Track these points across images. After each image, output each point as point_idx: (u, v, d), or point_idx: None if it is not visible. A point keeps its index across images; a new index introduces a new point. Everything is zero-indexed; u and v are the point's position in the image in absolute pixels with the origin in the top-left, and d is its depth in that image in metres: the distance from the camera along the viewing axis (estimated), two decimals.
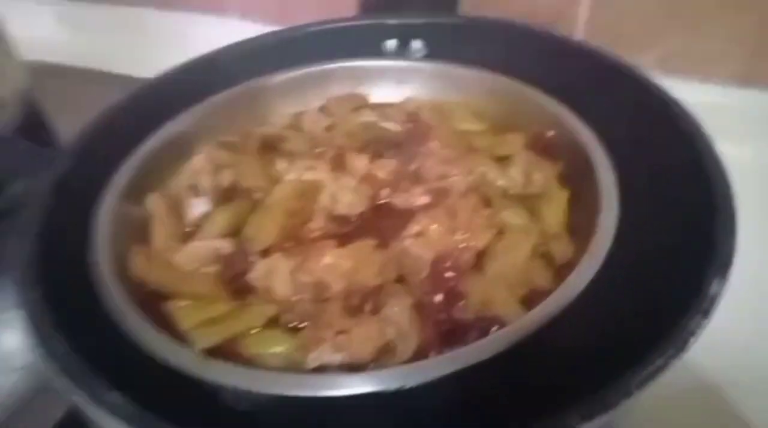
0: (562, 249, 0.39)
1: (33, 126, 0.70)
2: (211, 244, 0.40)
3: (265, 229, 0.40)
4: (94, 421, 0.28)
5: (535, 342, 0.32)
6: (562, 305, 0.33)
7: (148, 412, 0.26)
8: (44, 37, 0.87)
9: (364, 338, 0.32)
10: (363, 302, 0.35)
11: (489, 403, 0.31)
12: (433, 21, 0.57)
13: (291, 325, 0.36)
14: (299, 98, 0.56)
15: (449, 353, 0.31)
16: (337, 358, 0.32)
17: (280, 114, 0.55)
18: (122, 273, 0.38)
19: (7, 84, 0.64)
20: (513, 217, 0.40)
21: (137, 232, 0.43)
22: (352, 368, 0.33)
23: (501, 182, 0.42)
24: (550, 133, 0.44)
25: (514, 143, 0.45)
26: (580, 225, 0.40)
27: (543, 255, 0.39)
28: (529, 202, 0.42)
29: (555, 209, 0.41)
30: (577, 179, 0.43)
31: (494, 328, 0.34)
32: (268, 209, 0.41)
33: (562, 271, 0.37)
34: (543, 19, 0.68)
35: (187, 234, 0.43)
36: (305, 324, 0.36)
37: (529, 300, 0.36)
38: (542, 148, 0.45)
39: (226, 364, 0.31)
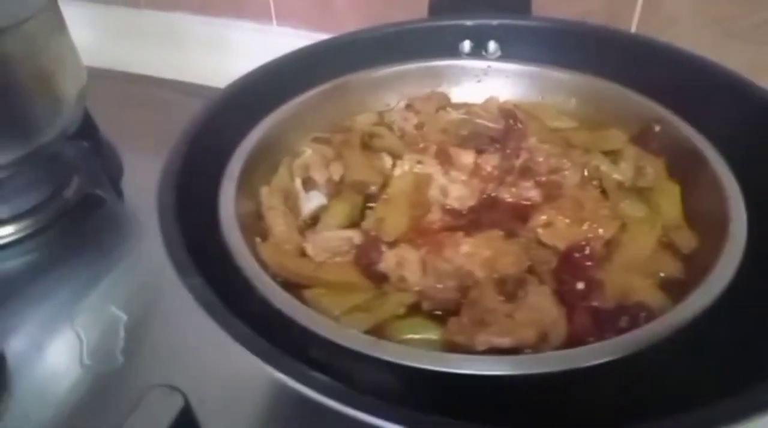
0: (686, 240, 0.40)
1: (86, 127, 0.69)
2: (343, 234, 0.39)
3: (395, 220, 0.40)
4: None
5: (688, 333, 0.32)
6: (714, 295, 0.33)
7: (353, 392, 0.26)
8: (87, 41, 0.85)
9: (527, 322, 0.33)
10: (516, 289, 0.35)
11: (643, 392, 0.31)
12: (508, 22, 0.58)
13: (432, 312, 0.37)
14: (381, 97, 0.56)
15: (620, 337, 0.31)
16: (506, 341, 0.32)
17: (365, 112, 0.55)
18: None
19: (69, 82, 0.62)
20: (632, 209, 0.41)
21: (253, 224, 0.42)
22: (512, 351, 0.33)
23: (616, 176, 0.43)
24: (657, 128, 0.45)
25: (617, 139, 0.46)
26: (697, 217, 0.41)
27: (667, 245, 0.40)
28: (641, 194, 0.43)
29: (672, 201, 0.42)
30: (682, 173, 0.44)
31: (642, 315, 0.35)
32: (392, 201, 0.42)
33: (689, 261, 0.39)
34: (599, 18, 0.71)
35: (303, 227, 0.43)
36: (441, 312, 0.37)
37: (664, 289, 0.37)
38: (646, 143, 0.46)
39: (398, 345, 0.31)
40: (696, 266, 0.38)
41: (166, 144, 0.76)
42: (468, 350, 0.32)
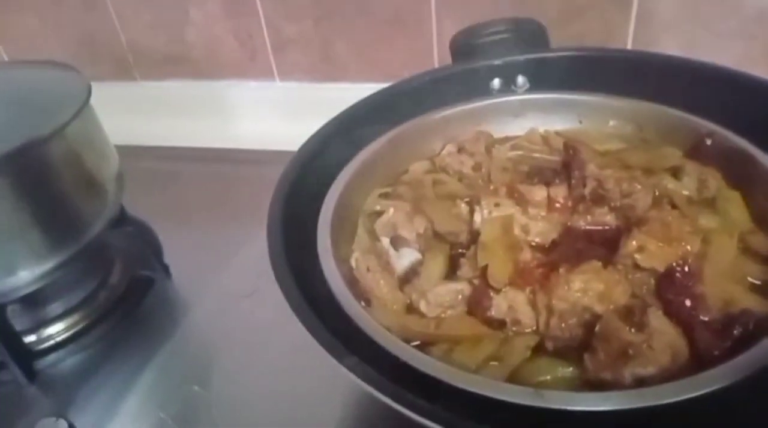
0: (761, 242, 0.43)
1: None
2: (452, 287, 0.41)
3: (500, 266, 0.41)
4: None
5: None
6: None
7: None
8: None
9: (664, 347, 0.35)
10: (642, 317, 0.37)
11: None
12: (534, 56, 0.61)
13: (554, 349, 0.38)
14: (428, 144, 0.58)
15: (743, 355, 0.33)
16: (650, 370, 0.34)
17: (415, 161, 0.57)
18: None
19: (108, 173, 0.62)
20: (708, 220, 0.44)
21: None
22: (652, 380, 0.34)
23: (684, 192, 0.46)
24: (709, 141, 0.49)
25: (675, 155, 0.49)
26: (764, 220, 0.44)
27: (745, 250, 0.43)
28: (710, 206, 0.46)
29: (739, 208, 0.45)
30: (738, 181, 0.47)
31: (749, 322, 0.37)
32: (489, 247, 0.43)
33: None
34: (596, 41, 0.75)
35: (400, 285, 0.44)
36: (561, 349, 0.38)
37: (757, 293, 0.40)
38: (699, 156, 0.49)
39: (563, 392, 0.33)
40: None
41: (192, 214, 0.77)
42: (611, 384, 0.34)
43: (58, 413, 0.52)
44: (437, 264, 0.44)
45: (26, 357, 0.57)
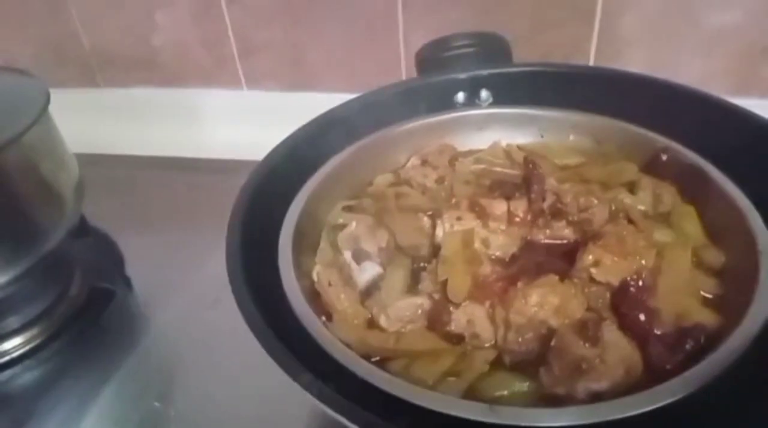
0: (714, 256, 0.44)
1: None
2: (413, 302, 0.41)
3: (459, 280, 0.42)
4: None
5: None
6: None
7: None
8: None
9: (617, 362, 0.35)
10: (596, 331, 0.37)
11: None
12: (498, 71, 0.62)
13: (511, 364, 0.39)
14: (392, 156, 0.59)
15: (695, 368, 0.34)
16: (603, 385, 0.34)
17: (379, 173, 0.57)
18: None
19: (67, 182, 0.61)
20: (661, 235, 0.45)
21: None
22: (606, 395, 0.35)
23: (640, 206, 0.47)
24: (664, 156, 0.50)
25: (631, 170, 0.50)
26: (717, 234, 0.46)
27: (699, 265, 0.44)
28: (664, 221, 0.47)
29: (692, 223, 0.46)
30: (692, 195, 0.49)
31: (701, 337, 0.38)
32: (449, 261, 0.43)
33: (722, 276, 0.43)
34: (561, 55, 0.76)
35: (362, 299, 0.44)
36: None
37: (709, 306, 0.41)
38: (655, 171, 0.50)
39: (514, 407, 0.33)
40: (729, 280, 0.43)
41: (155, 224, 0.76)
42: (565, 399, 0.35)
43: None
44: (398, 278, 0.44)
45: None
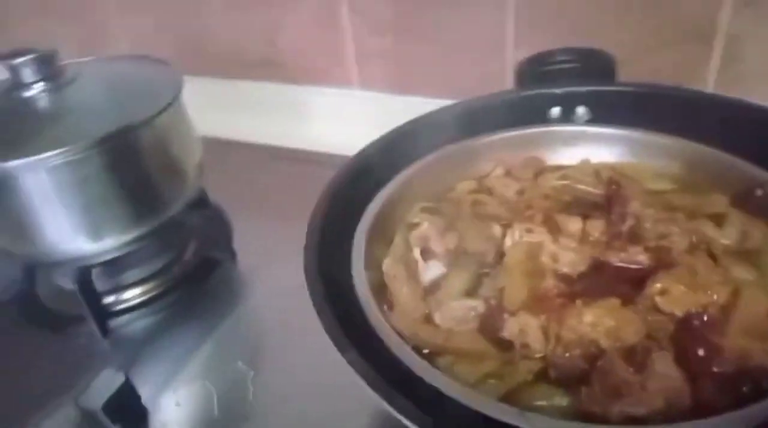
0: None
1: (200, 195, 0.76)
2: (467, 304, 0.43)
3: (515, 289, 0.43)
4: None
5: None
6: None
7: None
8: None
9: (658, 391, 0.35)
10: (644, 358, 0.37)
11: None
12: (596, 89, 0.61)
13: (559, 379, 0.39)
14: (478, 165, 0.60)
15: (746, 409, 0.33)
16: (640, 411, 0.34)
17: (464, 180, 0.59)
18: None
19: (191, 159, 0.70)
20: (743, 273, 0.43)
21: (377, 295, 0.47)
22: (641, 421, 0.35)
23: (723, 240, 0.45)
24: (759, 192, 0.47)
25: (721, 202, 0.48)
26: None
27: None
28: (749, 258, 0.45)
29: None
30: None
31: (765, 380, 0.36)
32: (510, 270, 0.45)
33: None
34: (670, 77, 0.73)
35: (424, 294, 0.47)
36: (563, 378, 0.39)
37: None
38: (747, 206, 0.48)
39: (546, 416, 0.34)
40: None
41: (263, 207, 0.84)
42: (600, 419, 0.35)
43: (121, 367, 0.60)
44: (459, 280, 0.46)
45: (103, 315, 0.65)
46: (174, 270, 0.73)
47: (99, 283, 0.66)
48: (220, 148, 0.95)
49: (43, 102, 0.62)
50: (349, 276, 0.46)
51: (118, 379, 0.54)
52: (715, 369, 0.38)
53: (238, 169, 0.91)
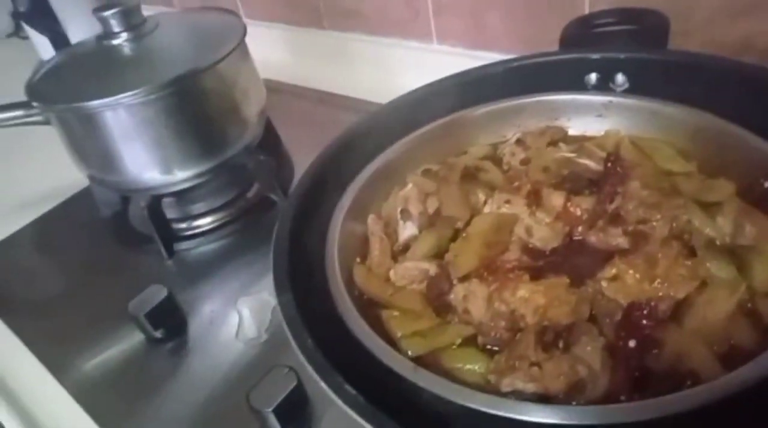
0: None
1: (268, 139, 0.83)
2: (420, 265, 0.45)
3: (466, 257, 0.44)
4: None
5: (732, 406, 0.32)
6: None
7: (373, 406, 0.32)
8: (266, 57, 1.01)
9: (556, 373, 0.35)
10: (556, 339, 0.37)
11: None
12: (636, 56, 0.56)
13: (486, 347, 0.41)
14: (498, 129, 0.60)
15: (646, 401, 0.32)
16: (529, 387, 0.35)
17: (479, 144, 0.59)
18: (350, 281, 0.45)
19: (253, 105, 0.77)
20: (718, 269, 0.40)
21: (360, 246, 0.50)
22: (541, 398, 0.36)
23: (708, 232, 0.42)
24: (766, 184, 0.42)
25: (723, 190, 0.44)
26: None
27: (748, 313, 0.38)
28: (737, 255, 0.41)
29: (767, 266, 0.39)
30: None
31: (688, 383, 0.35)
32: (469, 238, 0.46)
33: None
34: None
35: (397, 252, 0.49)
36: (497, 348, 0.40)
37: (729, 359, 0.36)
38: (755, 198, 0.43)
39: (434, 375, 0.36)
40: None
41: None
42: (492, 388, 0.36)
43: (173, 283, 0.70)
44: (427, 243, 0.48)
45: (169, 238, 0.76)
46: (238, 205, 0.82)
47: (169, 212, 0.77)
48: (294, 94, 1.02)
49: (126, 49, 0.72)
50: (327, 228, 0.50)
51: (162, 293, 0.64)
52: (646, 364, 0.37)
53: (309, 116, 0.97)
